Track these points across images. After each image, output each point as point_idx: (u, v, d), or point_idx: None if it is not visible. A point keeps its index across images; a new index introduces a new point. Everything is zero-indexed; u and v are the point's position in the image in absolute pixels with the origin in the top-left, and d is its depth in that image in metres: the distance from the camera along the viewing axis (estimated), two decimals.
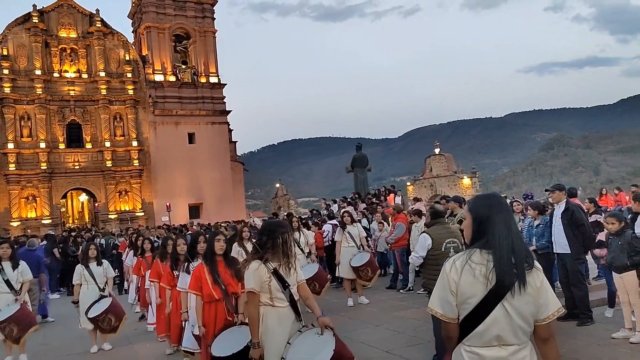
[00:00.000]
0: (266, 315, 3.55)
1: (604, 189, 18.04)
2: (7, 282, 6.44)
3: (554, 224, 6.68)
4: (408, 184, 37.59)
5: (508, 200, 18.33)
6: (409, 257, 5.91)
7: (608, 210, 11.41)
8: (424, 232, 5.40)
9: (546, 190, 7.43)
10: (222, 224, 16.56)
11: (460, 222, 7.84)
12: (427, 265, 5.21)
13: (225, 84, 36.97)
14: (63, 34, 32.59)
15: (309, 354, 3.33)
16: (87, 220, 36.09)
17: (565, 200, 6.75)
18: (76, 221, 37.21)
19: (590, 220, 7.66)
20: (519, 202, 9.88)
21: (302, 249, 8.17)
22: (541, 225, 7.09)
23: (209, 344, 4.19)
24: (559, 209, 6.67)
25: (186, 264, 5.16)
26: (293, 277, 3.61)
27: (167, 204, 31.72)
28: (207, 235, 5.12)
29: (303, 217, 16.95)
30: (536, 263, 2.26)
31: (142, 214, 32.90)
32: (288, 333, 3.51)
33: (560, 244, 6.58)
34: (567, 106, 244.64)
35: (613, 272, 5.96)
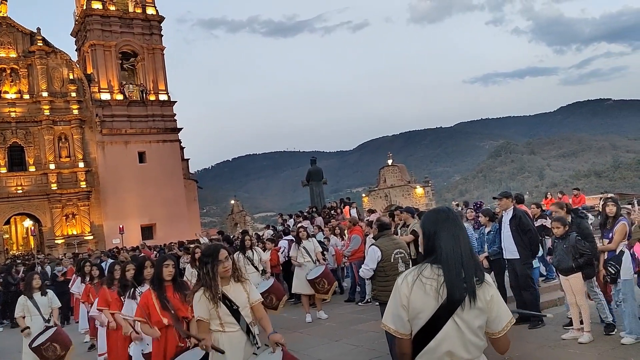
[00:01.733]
0: (218, 341, 3.46)
1: (549, 193, 18.86)
2: None
3: (502, 231, 6.88)
4: (363, 195, 37.95)
5: (459, 208, 18.82)
6: (359, 270, 5.96)
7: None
8: (372, 244, 5.48)
9: (494, 198, 7.65)
10: (174, 245, 16.13)
11: (413, 232, 7.96)
12: (377, 276, 5.28)
13: (176, 102, 36.41)
14: (2, 53, 31.25)
15: None
16: (32, 246, 34.38)
17: (512, 207, 6.97)
18: (21, 248, 35.42)
19: (537, 224, 7.95)
20: (471, 209, 10.12)
21: (256, 267, 8.05)
22: (492, 232, 7.29)
23: None
24: (507, 215, 6.88)
25: (132, 289, 4.96)
26: (243, 298, 3.53)
27: (120, 226, 30.67)
28: (155, 260, 4.96)
29: (262, 233, 16.76)
30: (487, 277, 2.28)
31: (92, 237, 31.66)
32: (242, 357, 3.44)
33: (510, 249, 6.77)
34: (512, 114, 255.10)
35: (559, 275, 6.18)
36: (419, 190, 32.88)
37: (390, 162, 35.76)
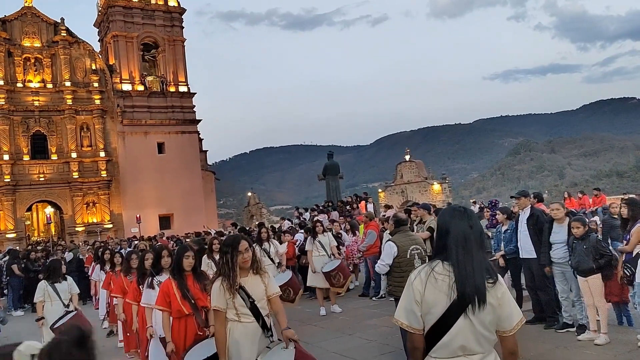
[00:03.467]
0: (233, 330, 3.51)
1: (566, 192, 18.60)
2: None
3: (519, 230, 6.83)
4: (379, 190, 37.84)
5: (477, 206, 18.67)
6: (375, 266, 5.98)
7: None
8: (389, 240, 5.49)
9: (511, 197, 7.60)
10: (191, 235, 16.32)
11: (429, 229, 7.94)
12: (392, 272, 5.30)
13: (195, 93, 36.67)
14: (27, 43, 31.78)
15: None
16: (53, 233, 35.09)
17: (529, 206, 6.91)
18: (42, 234, 36.11)
19: None
20: (487, 207, 10.05)
21: (272, 259, 8.13)
22: (509, 231, 7.23)
23: (180, 359, 4.12)
24: (524, 214, 6.82)
25: (150, 279, 5.04)
26: (260, 291, 3.56)
27: (137, 216, 31.11)
28: (174, 249, 5.04)
29: (278, 225, 16.86)
30: (499, 277, 2.30)
31: (111, 226, 32.19)
32: (256, 349, 3.48)
33: (526, 249, 6.72)
34: (532, 112, 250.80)
35: (578, 276, 6.12)
36: (436, 186, 32.68)
37: (407, 157, 35.59)
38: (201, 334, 4.24)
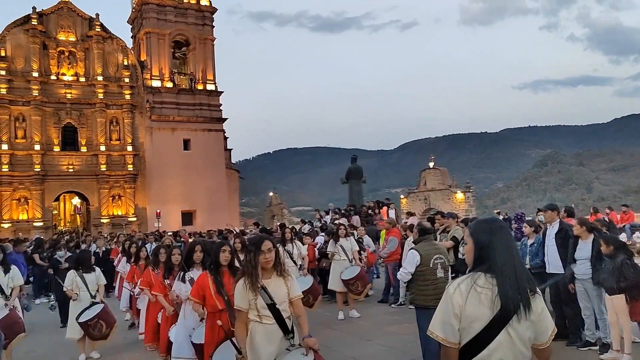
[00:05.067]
0: (254, 331, 3.54)
1: (593, 208, 18.14)
2: None
3: (546, 244, 6.71)
4: (402, 196, 37.60)
5: (501, 217, 18.42)
6: (397, 273, 5.96)
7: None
8: (412, 248, 5.47)
9: (539, 210, 7.48)
10: (213, 232, 16.48)
11: (453, 238, 7.89)
12: (415, 281, 5.28)
13: (222, 92, 37.08)
14: (62, 36, 32.61)
15: None
16: (79, 223, 35.86)
17: (558, 220, 6.79)
18: (68, 224, 36.96)
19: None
20: (514, 221, 9.91)
21: (294, 261, 8.16)
22: (535, 244, 7.12)
23: (210, 353, 4.19)
24: (552, 229, 6.70)
25: (182, 272, 5.13)
26: (282, 293, 3.59)
27: (157, 211, 31.60)
28: (203, 245, 5.11)
29: (299, 227, 16.90)
30: (537, 290, 2.30)
31: (135, 219, 32.75)
32: (276, 350, 3.49)
33: (553, 264, 6.60)
34: (561, 123, 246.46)
35: (604, 293, 6.00)
36: (460, 195, 32.32)
37: (432, 164, 35.27)
38: (233, 329, 4.29)
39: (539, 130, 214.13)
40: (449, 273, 5.30)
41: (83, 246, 14.80)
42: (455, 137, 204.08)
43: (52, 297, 8.66)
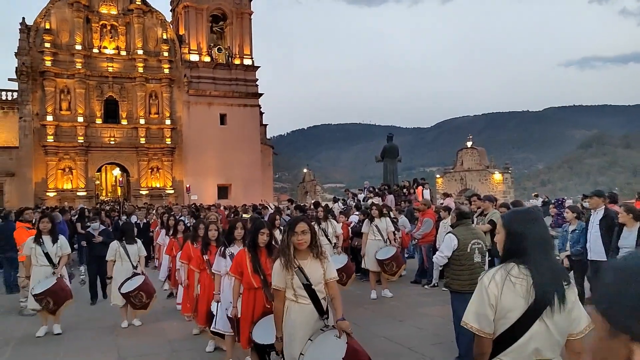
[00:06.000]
0: (290, 310, 3.62)
1: (638, 193, 17.41)
2: (47, 255, 6.70)
3: (590, 231, 6.54)
4: (437, 176, 37.11)
5: (540, 200, 17.97)
6: (434, 257, 5.91)
7: None
8: (449, 232, 5.41)
9: (584, 196, 7.27)
10: (248, 207, 16.69)
11: (490, 222, 7.75)
12: (451, 265, 5.24)
13: (259, 67, 37.13)
14: (104, 10, 33.17)
15: (325, 356, 3.36)
16: (119, 194, 37.06)
17: (603, 206, 6.59)
18: (109, 194, 38.27)
19: None
20: (553, 204, 9.65)
21: (329, 240, 8.22)
22: (577, 231, 6.93)
23: (249, 330, 4.33)
24: (597, 215, 6.52)
25: (222, 248, 5.27)
26: (319, 275, 3.63)
27: (187, 186, 32.26)
28: (246, 222, 5.24)
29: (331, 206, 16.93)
30: (571, 280, 2.31)
31: (172, 191, 33.56)
32: (311, 330, 3.56)
33: (596, 251, 6.45)
34: (609, 103, 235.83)
35: None
36: (497, 176, 31.68)
37: (469, 144, 34.62)
38: (269, 306, 4.39)
39: (584, 110, 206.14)
40: (486, 258, 5.21)
41: (124, 217, 15.28)
42: (494, 116, 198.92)
43: (83, 270, 8.99)
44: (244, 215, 14.67)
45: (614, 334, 0.89)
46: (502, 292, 2.20)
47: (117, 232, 8.24)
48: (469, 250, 5.05)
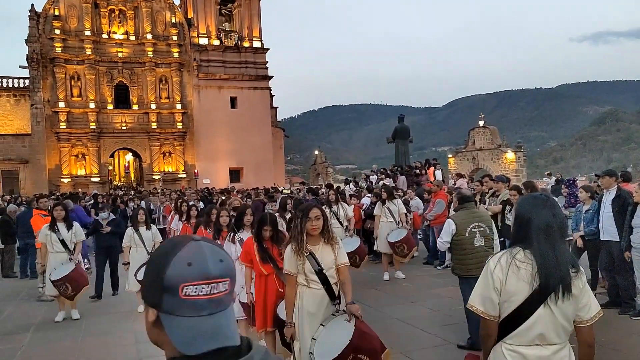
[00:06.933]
0: (302, 295, 3.67)
1: None
2: (62, 242, 6.82)
3: (602, 211, 6.47)
4: (449, 155, 36.88)
5: (553, 179, 17.76)
6: (437, 242, 5.90)
7: None
8: (449, 217, 5.39)
9: (596, 175, 7.18)
10: (260, 191, 16.78)
11: (502, 202, 7.71)
12: (453, 250, 5.20)
13: (268, 49, 36.86)
14: None
15: (335, 340, 3.40)
16: (132, 179, 37.38)
17: (616, 186, 6.51)
18: (122, 179, 38.58)
19: None
20: (565, 185, 9.54)
21: (341, 222, 8.24)
22: (591, 211, 6.86)
23: (263, 314, 4.40)
24: (609, 195, 6.45)
25: (232, 234, 5.30)
26: (330, 260, 3.66)
27: (195, 171, 32.37)
28: (252, 208, 5.26)
29: (342, 188, 16.95)
30: (580, 268, 2.29)
31: (185, 175, 33.78)
32: (322, 314, 3.62)
33: (609, 231, 6.39)
34: (623, 78, 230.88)
35: None
36: (510, 155, 31.38)
37: (481, 123, 34.25)
38: (282, 291, 4.44)
39: (598, 86, 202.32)
40: (494, 241, 5.07)
41: (131, 204, 15.42)
42: (506, 94, 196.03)
43: (86, 261, 9.06)
44: (283, 191, 14.63)
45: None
46: (507, 276, 2.22)
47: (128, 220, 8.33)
48: (467, 234, 4.97)
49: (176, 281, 0.97)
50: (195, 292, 0.97)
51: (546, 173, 23.34)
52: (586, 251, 7.06)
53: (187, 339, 0.97)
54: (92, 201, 15.88)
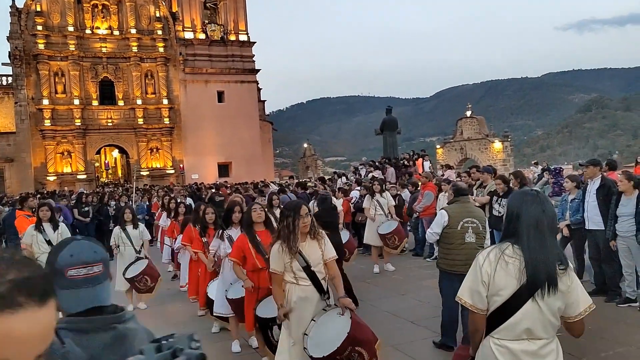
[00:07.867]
0: (291, 292, 3.65)
1: (638, 157, 17.36)
2: (49, 243, 6.74)
3: (587, 200, 6.53)
4: (438, 146, 37.02)
5: (539, 168, 17.92)
6: (426, 233, 5.81)
7: None
8: (442, 208, 5.29)
9: (580, 165, 7.24)
10: (249, 186, 16.73)
11: (489, 193, 7.75)
12: (441, 242, 5.06)
13: (255, 42, 36.61)
14: None
15: (330, 334, 3.41)
16: (119, 175, 37.07)
17: (600, 176, 6.57)
18: (110, 177, 38.26)
19: None
20: (551, 175, 9.62)
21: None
22: (577, 200, 6.92)
23: (254, 308, 4.37)
24: (593, 184, 6.51)
25: (220, 231, 5.28)
26: (317, 255, 3.65)
27: (181, 166, 32.15)
28: (242, 205, 5.24)
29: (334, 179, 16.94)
30: (569, 264, 2.30)
31: (173, 171, 33.56)
32: (313, 310, 3.61)
33: (594, 220, 6.45)
34: (608, 66, 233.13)
35: None
36: (497, 144, 31.57)
37: (469, 113, 34.39)
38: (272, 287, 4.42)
39: (583, 74, 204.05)
40: (485, 240, 4.89)
41: (112, 203, 15.20)
42: (493, 84, 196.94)
43: None
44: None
45: None
46: (495, 270, 2.24)
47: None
48: (459, 228, 4.82)
49: (62, 266, 1.41)
50: (76, 273, 1.43)
51: (533, 162, 23.53)
52: (572, 240, 7.13)
53: (70, 304, 1.42)
54: (75, 200, 15.58)
